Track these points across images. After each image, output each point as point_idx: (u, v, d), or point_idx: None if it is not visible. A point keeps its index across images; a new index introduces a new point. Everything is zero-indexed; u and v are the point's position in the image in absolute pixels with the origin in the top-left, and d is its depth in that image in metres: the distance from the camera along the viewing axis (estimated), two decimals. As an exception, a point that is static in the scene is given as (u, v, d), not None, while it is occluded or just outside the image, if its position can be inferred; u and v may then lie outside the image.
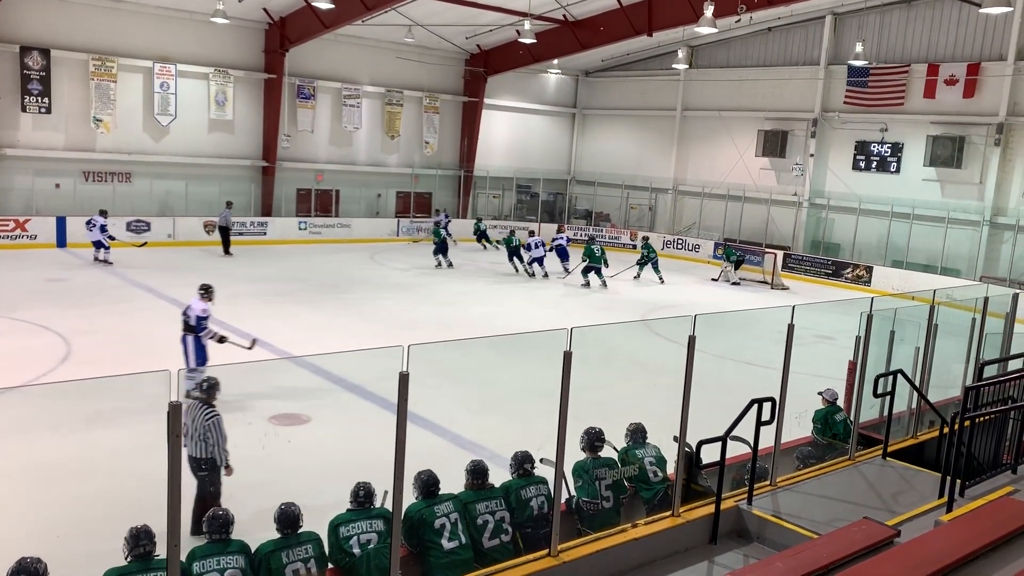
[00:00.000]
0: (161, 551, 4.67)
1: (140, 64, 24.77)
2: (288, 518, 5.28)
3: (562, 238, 25.30)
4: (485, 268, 24.76)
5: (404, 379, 4.56)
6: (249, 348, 11.00)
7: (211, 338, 10.91)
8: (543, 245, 23.63)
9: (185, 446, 7.13)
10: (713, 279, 25.15)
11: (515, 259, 23.78)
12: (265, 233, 26.77)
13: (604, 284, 22.25)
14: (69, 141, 24.06)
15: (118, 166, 24.91)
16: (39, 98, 23.15)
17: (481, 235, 28.22)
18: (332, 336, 15.02)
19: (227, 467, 7.34)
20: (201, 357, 10.93)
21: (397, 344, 4.57)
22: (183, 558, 4.80)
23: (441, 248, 23.96)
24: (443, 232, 24.27)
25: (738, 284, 24.58)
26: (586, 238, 26.51)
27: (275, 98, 27.06)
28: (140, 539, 4.82)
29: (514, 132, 34.27)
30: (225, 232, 24.10)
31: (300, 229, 27.57)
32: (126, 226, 23.76)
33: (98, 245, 21.15)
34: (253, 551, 5.15)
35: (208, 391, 7.46)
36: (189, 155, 25.95)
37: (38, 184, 23.56)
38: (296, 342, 14.24)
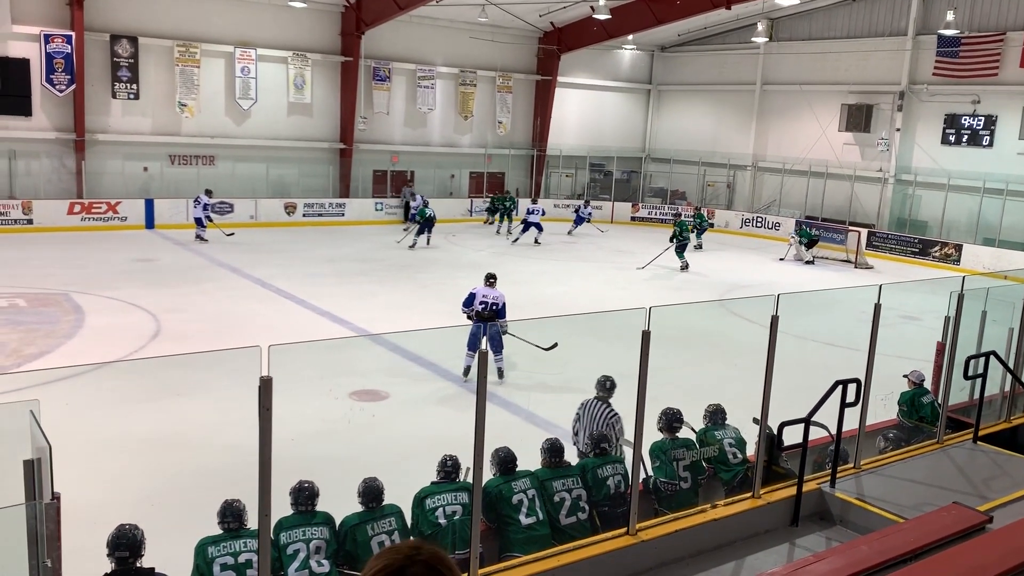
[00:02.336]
0: (252, 522, 4.86)
1: (222, 49, 25.40)
2: (372, 492, 5.40)
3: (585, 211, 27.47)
4: (558, 248, 24.75)
5: (483, 356, 4.61)
6: (546, 349, 11.07)
7: (504, 327, 11.27)
8: (541, 212, 25.12)
9: (575, 444, 7.16)
10: (780, 259, 24.44)
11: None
12: (343, 214, 27.26)
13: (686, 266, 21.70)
14: (156, 126, 24.89)
15: (202, 149, 25.67)
16: (128, 84, 23.99)
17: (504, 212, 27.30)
18: (408, 315, 15.24)
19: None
20: (498, 345, 11.33)
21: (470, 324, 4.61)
22: (271, 528, 4.99)
23: (426, 227, 22.98)
24: (429, 212, 23.24)
25: (812, 263, 23.90)
26: (673, 216, 26.38)
27: (352, 80, 27.42)
28: (233, 511, 5.01)
29: (587, 110, 33.98)
30: (408, 208, 26.83)
31: (376, 210, 28.00)
32: (211, 208, 24.52)
33: (199, 222, 22.12)
34: (338, 524, 5.30)
35: (610, 389, 7.45)
36: (269, 138, 26.56)
37: (127, 168, 24.47)
38: (373, 320, 14.50)
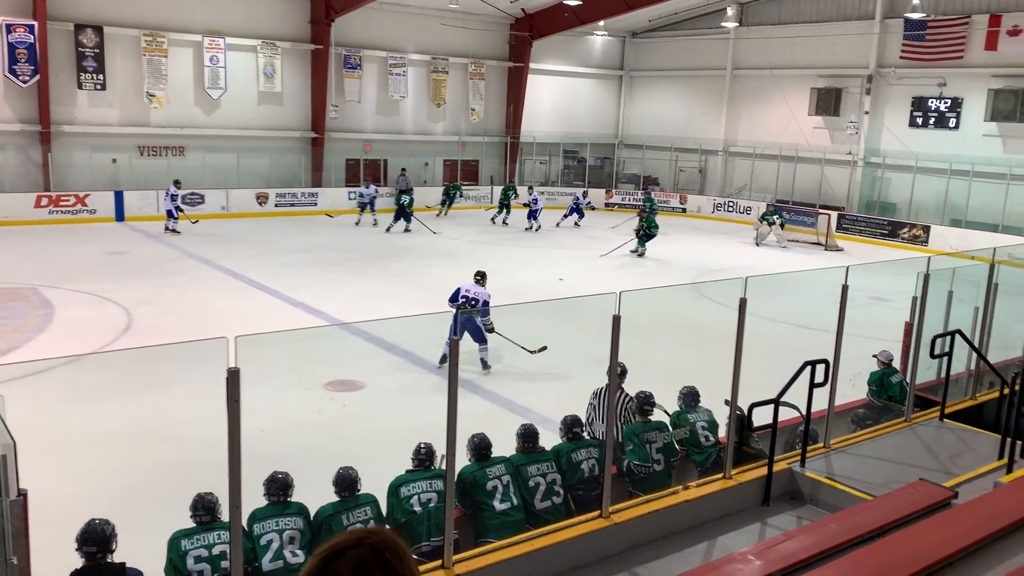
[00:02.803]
0: (226, 514, 4.85)
1: (190, 38, 25.07)
2: (346, 481, 5.41)
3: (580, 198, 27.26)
4: (532, 235, 24.79)
5: (455, 345, 4.62)
6: (533, 352, 11.07)
7: (487, 325, 11.25)
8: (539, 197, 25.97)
9: (589, 433, 7.14)
10: (757, 244, 24.48)
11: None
12: (316, 203, 27.07)
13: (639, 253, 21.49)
14: (124, 117, 24.54)
15: (171, 140, 25.37)
16: (94, 75, 23.61)
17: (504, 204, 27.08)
18: (384, 304, 15.21)
19: None
20: (480, 337, 11.37)
21: (447, 311, 4.63)
22: (245, 520, 4.98)
23: (402, 214, 24.04)
24: (403, 199, 24.18)
25: (785, 248, 24.02)
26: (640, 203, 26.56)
27: (322, 69, 27.18)
28: (205, 504, 5.00)
29: (560, 96, 33.96)
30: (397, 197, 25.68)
31: (349, 199, 27.76)
32: (181, 199, 24.24)
33: (169, 214, 21.93)
34: (313, 514, 5.31)
35: (621, 375, 7.32)
36: (240, 128, 26.28)
37: (95, 160, 24.10)
38: (349, 310, 14.44)
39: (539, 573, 4.87)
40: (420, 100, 30.25)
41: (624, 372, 7.44)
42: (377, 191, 26.07)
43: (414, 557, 5.31)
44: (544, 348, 11.06)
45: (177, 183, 22.57)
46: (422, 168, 30.57)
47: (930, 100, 25.83)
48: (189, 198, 23.78)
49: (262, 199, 26.10)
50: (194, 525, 4.96)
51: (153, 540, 4.98)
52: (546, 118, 33.39)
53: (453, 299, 11.45)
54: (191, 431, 8.70)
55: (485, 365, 11.37)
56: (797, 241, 24.74)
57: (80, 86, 23.52)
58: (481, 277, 11.83)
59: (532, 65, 32.04)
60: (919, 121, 26.19)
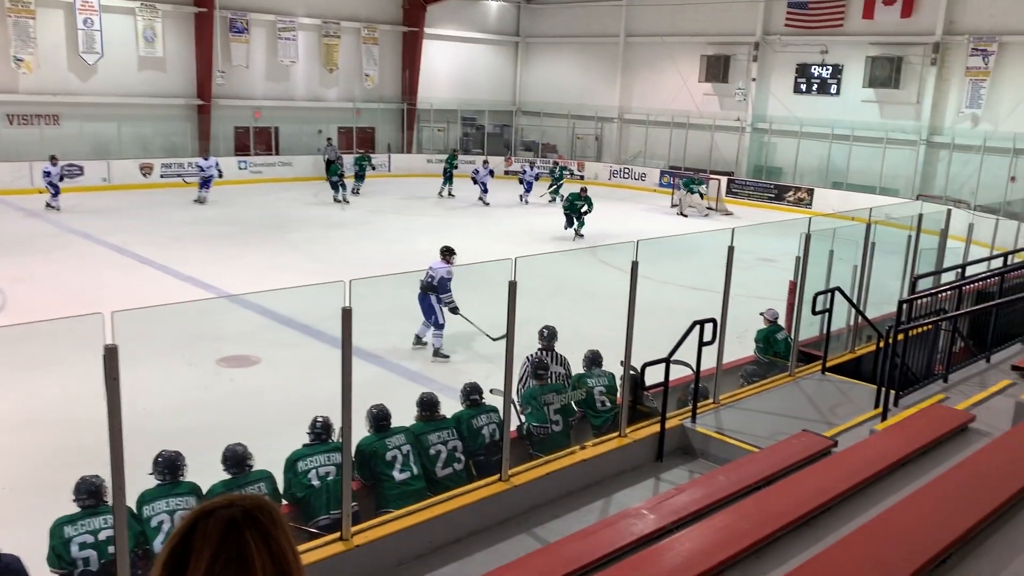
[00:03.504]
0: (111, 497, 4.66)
1: (60, -1, 23.61)
2: (236, 458, 5.29)
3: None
4: (434, 204, 24.61)
5: (347, 314, 4.56)
6: (494, 339, 10.56)
7: (448, 306, 10.69)
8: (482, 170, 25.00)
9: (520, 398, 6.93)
10: (683, 215, 24.74)
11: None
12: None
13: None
14: (-11, 83, 23.00)
15: (44, 108, 23.89)
16: (-47, 38, 22.00)
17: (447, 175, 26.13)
18: (278, 277, 14.78)
19: None
20: (434, 314, 10.89)
21: (339, 280, 4.54)
22: (134, 502, 4.81)
23: (339, 184, 23.61)
24: (341, 168, 23.75)
25: (706, 215, 24.48)
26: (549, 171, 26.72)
27: (207, 33, 26.07)
28: (89, 487, 4.79)
29: (457, 63, 33.62)
30: (331, 164, 24.69)
31: (240, 169, 26.89)
32: (59, 175, 22.86)
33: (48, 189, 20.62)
34: (204, 493, 5.16)
35: (549, 338, 7.58)
36: (119, 95, 24.99)
37: (-41, 129, 22.56)
38: (241, 284, 14.01)
39: (439, 540, 4.89)
40: (311, 65, 29.42)
41: (552, 335, 7.57)
42: (217, 164, 23.61)
43: (314, 531, 5.21)
44: (504, 336, 10.77)
45: (53, 159, 20.88)
46: (316, 135, 29.80)
47: (813, 67, 26.80)
48: (67, 169, 22.49)
49: (146, 170, 24.96)
50: (78, 510, 4.75)
51: (37, 528, 4.75)
52: (443, 85, 33.02)
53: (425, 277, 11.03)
54: (73, 413, 8.28)
55: (436, 352, 10.86)
56: (691, 205, 25.37)
57: (-62, 50, 21.88)
58: (445, 252, 11.19)
59: (427, 30, 31.58)
60: (803, 87, 27.16)
